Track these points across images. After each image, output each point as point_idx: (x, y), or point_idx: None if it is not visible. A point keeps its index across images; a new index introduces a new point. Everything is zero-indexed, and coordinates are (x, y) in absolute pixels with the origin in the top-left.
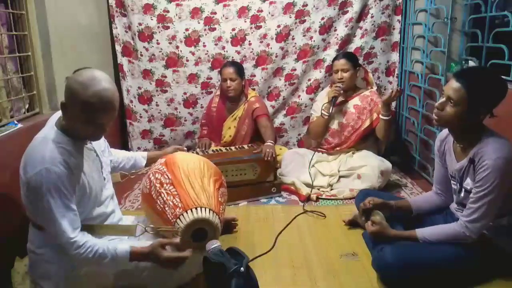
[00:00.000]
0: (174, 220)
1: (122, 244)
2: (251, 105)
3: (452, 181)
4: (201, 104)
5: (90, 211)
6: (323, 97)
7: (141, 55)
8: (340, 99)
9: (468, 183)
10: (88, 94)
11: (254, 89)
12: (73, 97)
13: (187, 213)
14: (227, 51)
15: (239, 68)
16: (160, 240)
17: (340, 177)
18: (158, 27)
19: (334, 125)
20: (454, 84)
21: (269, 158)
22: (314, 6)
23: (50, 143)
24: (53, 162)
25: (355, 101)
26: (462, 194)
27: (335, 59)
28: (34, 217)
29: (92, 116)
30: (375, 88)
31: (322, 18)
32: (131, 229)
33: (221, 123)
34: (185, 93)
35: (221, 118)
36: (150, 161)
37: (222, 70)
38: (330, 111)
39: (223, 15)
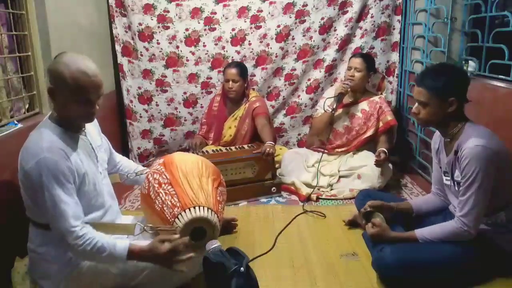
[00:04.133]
0: (173, 219)
1: (121, 241)
2: (252, 104)
3: (445, 178)
4: (201, 104)
5: (88, 203)
6: (329, 94)
7: (141, 55)
8: (348, 99)
9: (457, 175)
10: (73, 70)
11: (253, 89)
12: (59, 78)
13: (185, 212)
14: (227, 51)
15: (242, 69)
16: (159, 236)
17: (340, 177)
18: (158, 27)
19: (340, 127)
20: (417, 89)
21: (267, 156)
22: (314, 6)
23: (46, 134)
24: (50, 151)
25: (363, 105)
26: (456, 189)
27: (353, 56)
28: (34, 213)
29: (81, 92)
30: (384, 94)
31: (322, 18)
32: (130, 228)
33: (222, 123)
34: (185, 93)
35: (222, 118)
36: None
37: (225, 70)
38: (334, 106)
39: (223, 15)
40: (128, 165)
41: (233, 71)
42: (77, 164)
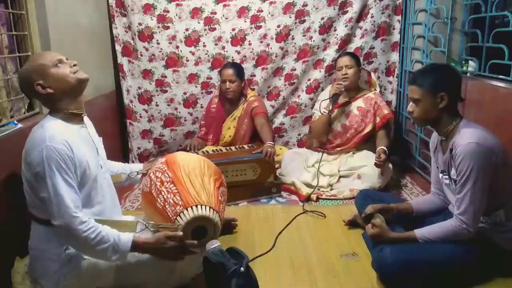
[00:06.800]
0: (175, 217)
1: (125, 233)
2: (250, 104)
3: (444, 177)
4: (201, 104)
5: (89, 195)
6: (324, 97)
7: (141, 55)
8: (344, 99)
9: (454, 173)
10: (34, 61)
11: (253, 89)
12: (34, 72)
13: (187, 210)
14: (227, 51)
15: (238, 69)
16: (165, 232)
17: (340, 177)
18: (158, 27)
19: (337, 127)
20: (410, 87)
21: (269, 158)
22: (314, 6)
23: (48, 126)
24: (53, 140)
25: (358, 102)
26: (455, 187)
27: (339, 57)
28: (37, 208)
29: (51, 59)
30: (378, 89)
31: (322, 18)
32: (132, 225)
33: (221, 124)
34: (185, 93)
35: (220, 119)
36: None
37: (222, 71)
38: (330, 108)
39: (223, 15)
40: (120, 165)
41: (229, 71)
42: (79, 155)
